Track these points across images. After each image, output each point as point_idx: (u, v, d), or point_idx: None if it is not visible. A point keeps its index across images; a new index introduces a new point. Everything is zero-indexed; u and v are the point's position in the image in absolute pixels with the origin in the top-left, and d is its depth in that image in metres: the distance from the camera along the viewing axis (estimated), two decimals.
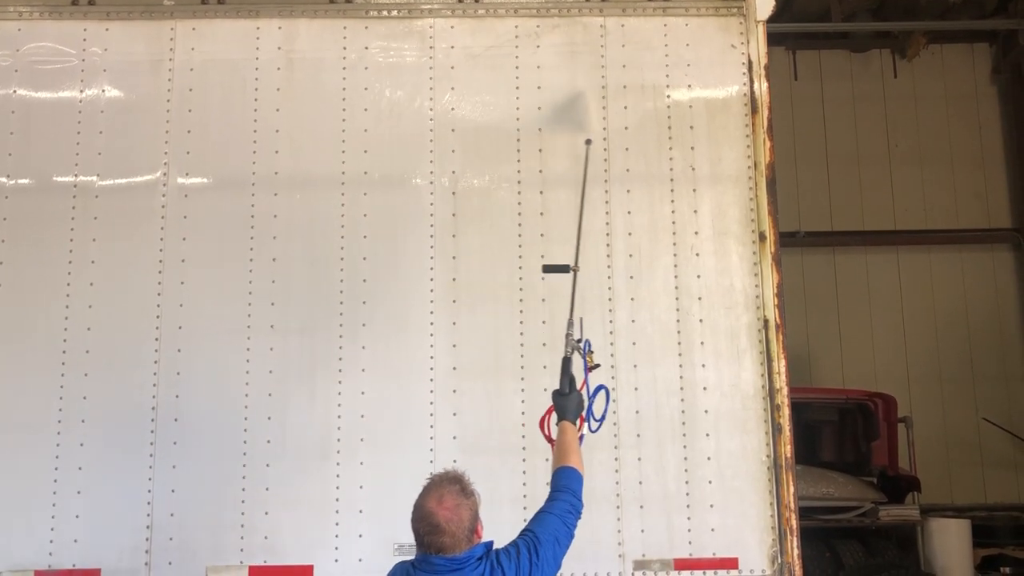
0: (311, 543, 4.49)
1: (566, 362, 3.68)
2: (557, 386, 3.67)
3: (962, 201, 13.47)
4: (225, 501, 4.52)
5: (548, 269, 4.29)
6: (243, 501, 4.52)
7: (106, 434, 4.58)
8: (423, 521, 2.87)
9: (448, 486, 2.92)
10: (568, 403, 3.56)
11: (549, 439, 3.63)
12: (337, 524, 4.51)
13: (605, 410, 3.72)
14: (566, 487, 3.24)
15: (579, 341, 3.77)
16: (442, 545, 2.85)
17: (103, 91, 4.95)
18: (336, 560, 4.48)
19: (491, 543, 3.00)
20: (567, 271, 4.08)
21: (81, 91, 4.94)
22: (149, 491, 4.53)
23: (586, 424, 3.65)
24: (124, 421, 4.59)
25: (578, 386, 3.65)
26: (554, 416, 3.63)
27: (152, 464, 4.55)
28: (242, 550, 4.49)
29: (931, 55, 13.68)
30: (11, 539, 4.48)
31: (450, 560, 2.86)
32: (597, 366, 3.78)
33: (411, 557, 3.02)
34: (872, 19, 13.36)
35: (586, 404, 3.65)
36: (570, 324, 3.80)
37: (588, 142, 4.51)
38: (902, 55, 13.69)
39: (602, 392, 3.72)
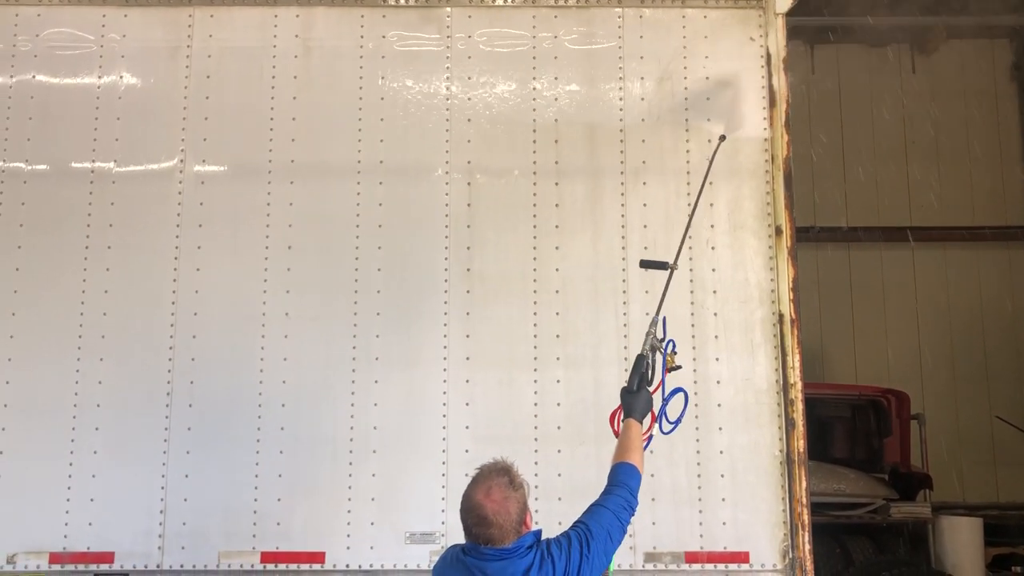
0: (323, 530, 4.51)
1: (639, 360, 3.59)
2: (626, 383, 3.59)
3: (979, 198, 13.39)
4: (238, 487, 4.55)
5: (646, 264, 4.18)
6: (256, 487, 4.55)
7: (121, 419, 4.61)
8: (471, 513, 2.87)
9: (496, 478, 2.91)
10: (635, 401, 3.48)
11: (617, 434, 3.56)
12: (349, 512, 4.52)
13: (683, 413, 3.66)
14: (623, 483, 3.21)
15: (662, 341, 3.68)
16: (490, 537, 2.85)
17: (121, 77, 4.97)
18: (348, 547, 4.50)
19: (540, 532, 2.99)
20: (665, 268, 4.00)
21: (99, 77, 4.96)
22: (163, 476, 4.56)
23: (657, 425, 3.59)
24: (139, 406, 4.62)
25: (653, 386, 3.58)
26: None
27: (166, 449, 4.58)
28: (254, 536, 4.52)
29: (950, 50, 13.59)
30: (26, 521, 4.52)
31: (499, 551, 2.86)
32: (678, 368, 3.70)
33: (460, 542, 3.02)
34: (891, 13, 13.26)
35: (658, 405, 3.59)
36: (653, 323, 3.70)
37: (722, 138, 4.50)
38: (921, 50, 13.61)
39: (680, 395, 3.66)
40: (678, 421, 3.67)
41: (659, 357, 3.65)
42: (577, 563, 2.92)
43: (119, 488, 4.55)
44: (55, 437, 4.59)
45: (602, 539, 3.01)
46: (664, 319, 3.72)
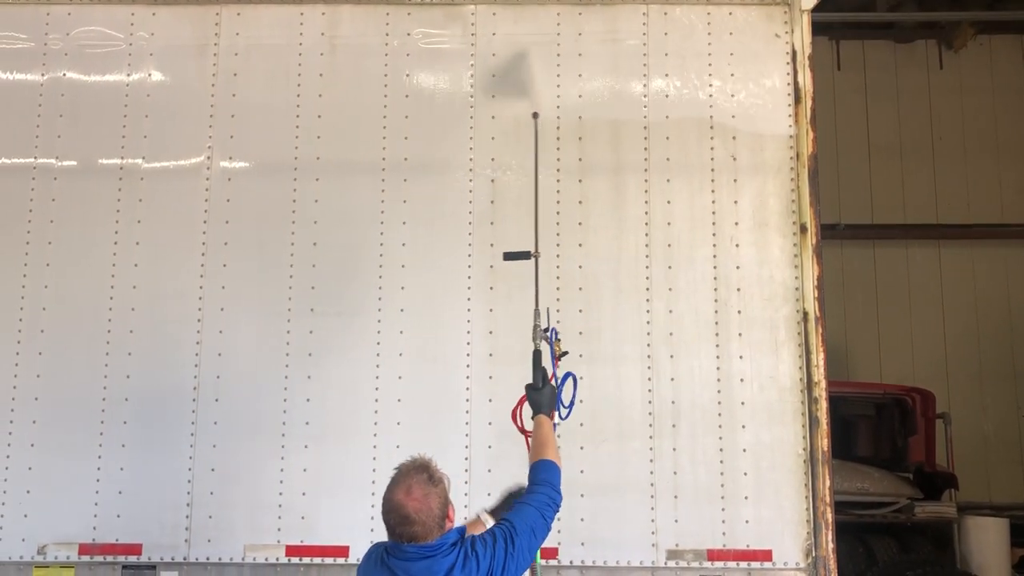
0: (347, 524, 4.54)
1: (537, 355, 3.67)
2: (531, 380, 3.67)
3: (1007, 196, 13.24)
4: (264, 481, 4.60)
5: (509, 256, 4.24)
6: (281, 481, 4.59)
7: (149, 413, 4.67)
8: (393, 513, 2.88)
9: (416, 475, 2.92)
10: (541, 397, 3.55)
11: (522, 430, 3.62)
12: (373, 506, 4.51)
13: (573, 396, 3.73)
14: (545, 480, 3.24)
15: (546, 330, 3.77)
16: (414, 534, 2.86)
17: (149, 75, 5.02)
18: (372, 541, 4.47)
19: (464, 529, 3.03)
20: (528, 257, 4.08)
21: (128, 75, 5.02)
22: (190, 469, 4.61)
23: (556, 413, 3.63)
24: (166, 400, 4.68)
25: (549, 376, 3.65)
26: (527, 409, 3.62)
27: (193, 443, 4.63)
28: (279, 529, 4.57)
29: (979, 46, 13.44)
30: (56, 513, 4.59)
31: (421, 547, 2.88)
32: (565, 353, 3.79)
33: None
34: (918, 9, 13.14)
35: (567, 397, 3.66)
36: (536, 314, 3.80)
37: (535, 115, 4.53)
38: (948, 46, 13.47)
39: (570, 379, 3.73)
40: (572, 404, 3.73)
41: (546, 347, 3.72)
42: (502, 560, 2.94)
43: (147, 481, 4.61)
44: (84, 430, 4.66)
45: (526, 535, 3.03)
46: (548, 309, 3.85)
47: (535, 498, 3.18)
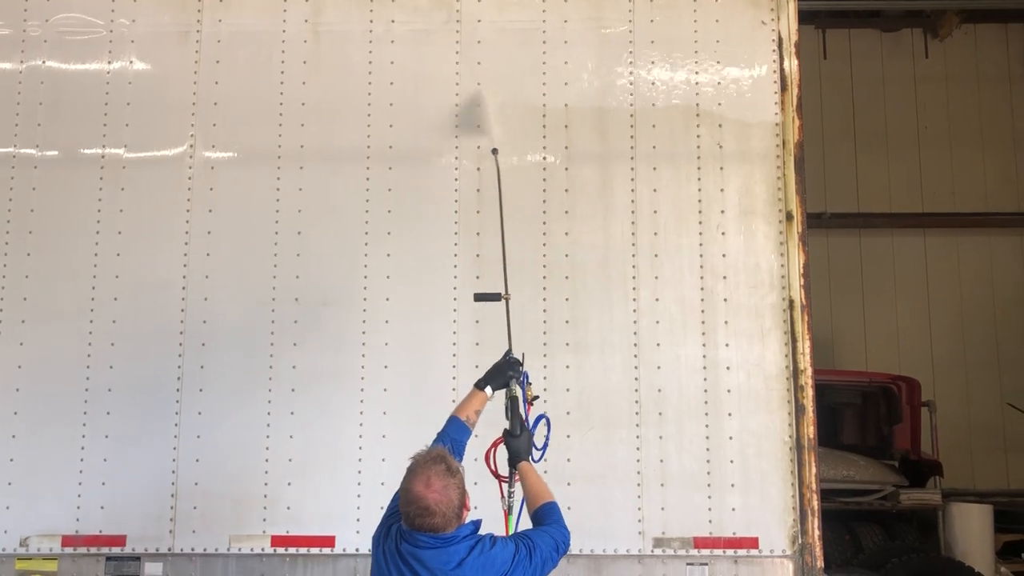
0: (333, 514, 4.53)
1: (514, 402, 3.60)
2: (508, 427, 3.59)
3: (992, 184, 13.31)
4: (249, 472, 4.57)
5: (479, 297, 4.13)
6: (266, 472, 4.57)
7: (132, 403, 4.63)
8: (412, 505, 2.88)
9: (433, 467, 2.93)
10: (520, 443, 3.50)
11: (496, 474, 3.57)
12: (359, 496, 4.54)
13: (547, 438, 3.66)
14: (556, 520, 3.20)
15: (523, 375, 3.69)
16: (433, 526, 2.88)
17: (131, 62, 4.97)
18: (357, 532, 4.52)
19: (479, 522, 3.03)
20: (498, 299, 3.98)
21: (109, 62, 4.96)
22: (174, 460, 4.58)
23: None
24: (150, 391, 4.65)
25: (522, 419, 3.58)
26: (502, 452, 3.56)
27: (177, 434, 4.60)
28: (265, 520, 4.55)
29: (964, 35, 13.47)
30: (39, 505, 4.56)
31: (435, 537, 2.89)
32: (536, 397, 3.72)
33: None
34: None
35: (540, 439, 3.61)
36: (511, 363, 3.69)
37: (495, 151, 4.44)
38: (934, 35, 13.49)
39: (543, 422, 3.67)
40: (545, 446, 3.66)
41: (518, 391, 3.63)
42: (508, 564, 2.93)
43: (130, 472, 4.58)
44: (67, 421, 4.63)
45: (542, 556, 3.02)
46: (523, 355, 3.75)
47: (556, 531, 3.14)
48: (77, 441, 4.60)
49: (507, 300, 3.97)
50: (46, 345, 4.70)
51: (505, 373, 3.66)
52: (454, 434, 3.46)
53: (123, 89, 4.93)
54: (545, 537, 3.09)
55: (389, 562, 2.96)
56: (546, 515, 3.22)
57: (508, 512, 3.52)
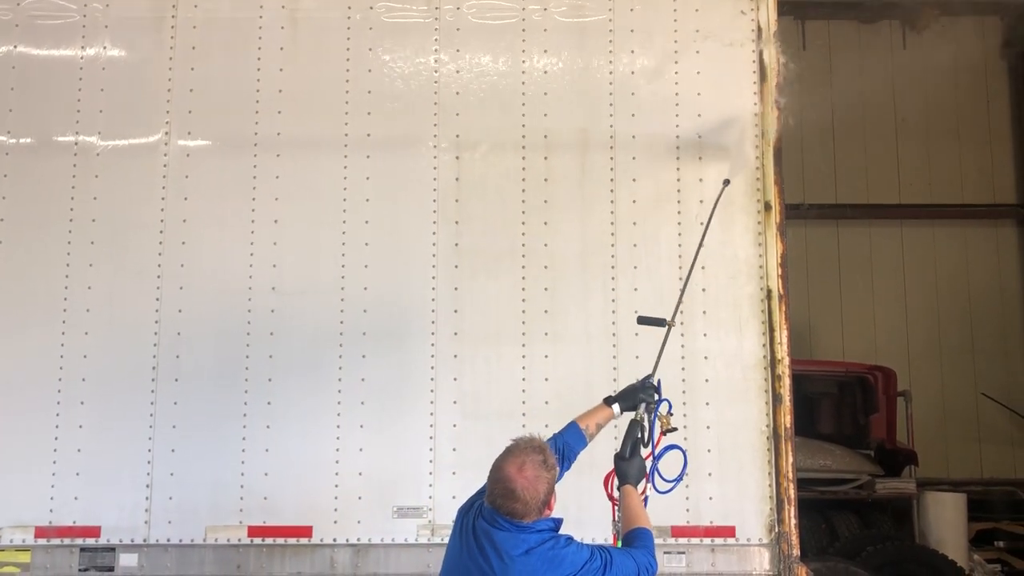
0: (310, 505, 4.51)
1: (633, 425, 3.49)
2: (618, 449, 3.48)
3: (968, 176, 13.40)
4: (225, 462, 4.54)
5: (643, 321, 3.93)
6: (243, 462, 4.54)
7: (106, 393, 4.59)
8: (500, 484, 2.87)
9: (532, 455, 2.90)
10: (629, 468, 3.39)
11: (611, 497, 3.48)
12: (336, 486, 4.52)
13: (683, 471, 3.53)
14: (645, 547, 3.11)
15: (658, 402, 3.55)
16: (513, 511, 2.86)
17: (105, 48, 4.90)
18: (335, 522, 4.50)
19: (560, 521, 2.99)
20: (662, 325, 3.78)
21: (82, 48, 4.90)
22: (149, 450, 4.55)
23: (651, 484, 3.47)
24: (124, 380, 4.60)
25: (648, 450, 3.47)
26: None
27: (152, 424, 4.56)
28: (241, 510, 4.52)
29: (941, 27, 13.51)
30: (12, 496, 4.51)
31: (513, 524, 2.87)
32: (674, 429, 3.55)
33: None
34: None
35: (650, 464, 3.48)
36: (647, 387, 3.55)
37: (726, 182, 4.20)
38: (912, 26, 13.54)
39: (676, 452, 3.53)
40: (678, 479, 3.55)
41: (653, 419, 3.53)
42: (577, 569, 2.87)
43: (105, 462, 4.54)
44: (40, 411, 4.58)
45: (617, 574, 2.94)
46: (659, 381, 3.59)
47: (639, 554, 3.05)
48: (51, 431, 4.55)
49: (671, 327, 3.79)
50: (19, 334, 4.64)
51: (637, 395, 3.54)
52: (570, 439, 3.40)
53: (97, 75, 4.86)
54: (627, 559, 3.00)
55: (463, 536, 2.94)
56: (636, 539, 3.14)
57: (617, 536, 3.38)
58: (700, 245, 4.03)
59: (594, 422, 3.49)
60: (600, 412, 3.52)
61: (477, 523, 2.93)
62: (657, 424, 3.54)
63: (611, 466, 3.45)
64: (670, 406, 3.59)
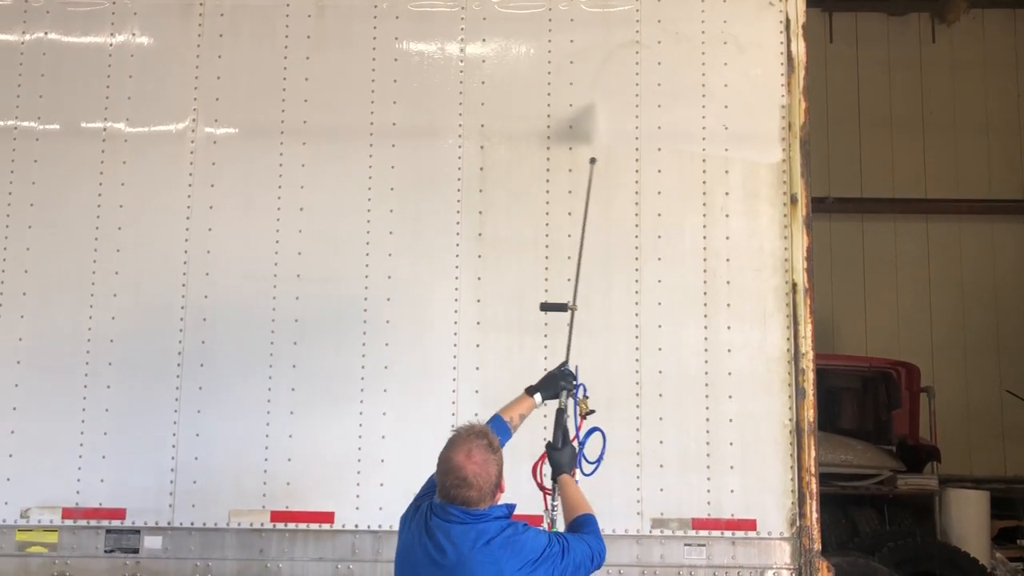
0: (332, 490, 4.53)
1: (560, 414, 3.53)
2: (551, 439, 3.50)
3: (995, 171, 13.27)
4: (249, 447, 4.57)
5: (546, 307, 4.02)
6: (266, 447, 4.58)
7: (133, 377, 4.63)
8: (451, 474, 2.87)
9: (476, 440, 2.92)
10: (563, 457, 3.43)
11: (541, 486, 3.51)
12: (359, 472, 4.55)
13: (602, 452, 3.59)
14: (593, 532, 3.14)
15: (575, 387, 3.60)
16: (467, 499, 2.86)
17: (133, 35, 4.93)
18: (357, 508, 4.53)
19: (513, 507, 3.00)
20: (564, 309, 3.86)
21: (111, 35, 4.93)
22: (174, 435, 4.59)
23: (578, 468, 3.52)
24: (151, 365, 4.64)
25: (573, 432, 3.52)
26: (547, 466, 3.49)
27: (177, 408, 4.61)
28: (264, 495, 4.55)
29: (971, 20, 13.39)
30: (40, 477, 4.57)
31: (467, 512, 2.88)
32: (592, 412, 3.61)
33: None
34: None
35: (578, 448, 3.53)
36: (566, 373, 3.60)
37: (593, 160, 4.26)
38: (941, 19, 13.41)
39: (597, 435, 3.60)
40: (599, 460, 3.59)
41: (575, 404, 3.57)
42: (538, 555, 2.88)
43: (131, 446, 4.59)
44: (67, 394, 4.62)
45: (575, 560, 2.97)
46: (577, 367, 3.65)
47: (592, 540, 3.08)
48: (77, 414, 4.60)
49: (573, 311, 3.84)
50: (47, 318, 4.69)
51: (558, 383, 3.58)
52: (495, 431, 3.39)
53: (125, 62, 4.90)
54: (581, 544, 3.03)
55: (415, 540, 2.92)
56: (583, 525, 3.16)
57: (552, 526, 3.42)
58: (583, 230, 4.05)
59: (517, 413, 3.51)
60: (522, 403, 3.53)
61: (431, 522, 2.90)
62: (577, 409, 3.59)
63: (536, 457, 3.49)
64: (585, 389, 3.63)
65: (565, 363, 3.68)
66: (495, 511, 2.91)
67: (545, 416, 3.78)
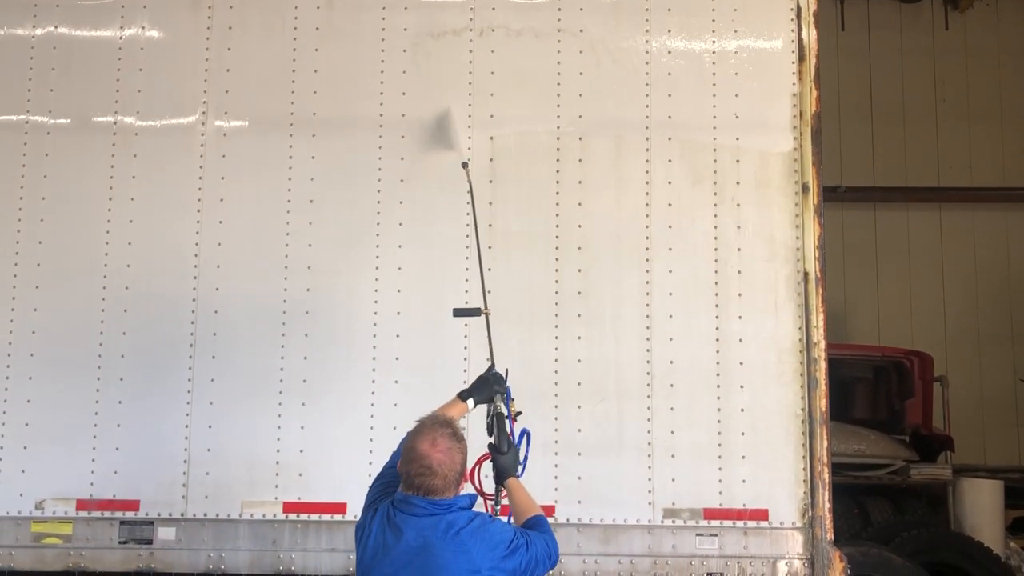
0: (345, 482, 4.54)
1: (500, 418, 3.52)
2: (494, 443, 3.51)
3: (1009, 159, 13.17)
4: (261, 438, 4.59)
5: (459, 313, 4.09)
6: (279, 439, 4.59)
7: (145, 369, 4.65)
8: (416, 463, 2.88)
9: (441, 429, 2.93)
10: (508, 461, 3.43)
11: (481, 491, 3.51)
12: (371, 464, 4.53)
13: (527, 452, 3.58)
14: (547, 532, 3.15)
15: (504, 391, 3.60)
16: (432, 487, 2.87)
17: (143, 29, 4.94)
18: None
19: (475, 497, 3.02)
20: (478, 314, 3.91)
21: (121, 28, 4.94)
22: (187, 426, 4.61)
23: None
24: (163, 357, 4.66)
25: (509, 434, 3.52)
26: (487, 468, 3.50)
27: (190, 400, 4.63)
28: (277, 486, 4.57)
29: (985, 7, 13.28)
30: (54, 469, 4.60)
31: (432, 503, 2.88)
32: (520, 413, 3.64)
33: None
34: None
35: (519, 451, 3.53)
36: (497, 377, 3.61)
37: (464, 165, 4.24)
38: (954, 6, 13.31)
39: (525, 437, 3.59)
40: (525, 459, 3.58)
41: (507, 407, 3.57)
42: (504, 547, 2.90)
43: (144, 438, 4.61)
44: (81, 387, 4.65)
45: (536, 556, 2.98)
46: (507, 371, 3.66)
47: (548, 539, 3.09)
48: (91, 407, 4.62)
49: (487, 315, 3.91)
50: (60, 311, 4.71)
51: (491, 387, 3.58)
52: None
53: (135, 55, 4.91)
54: (540, 540, 3.05)
55: (378, 541, 2.90)
56: (537, 526, 3.16)
57: None
58: (477, 239, 4.14)
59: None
60: (455, 407, 3.52)
61: (395, 517, 2.89)
62: (508, 410, 3.59)
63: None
64: (510, 392, 3.63)
65: (493, 366, 3.71)
66: (460, 500, 2.93)
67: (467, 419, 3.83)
